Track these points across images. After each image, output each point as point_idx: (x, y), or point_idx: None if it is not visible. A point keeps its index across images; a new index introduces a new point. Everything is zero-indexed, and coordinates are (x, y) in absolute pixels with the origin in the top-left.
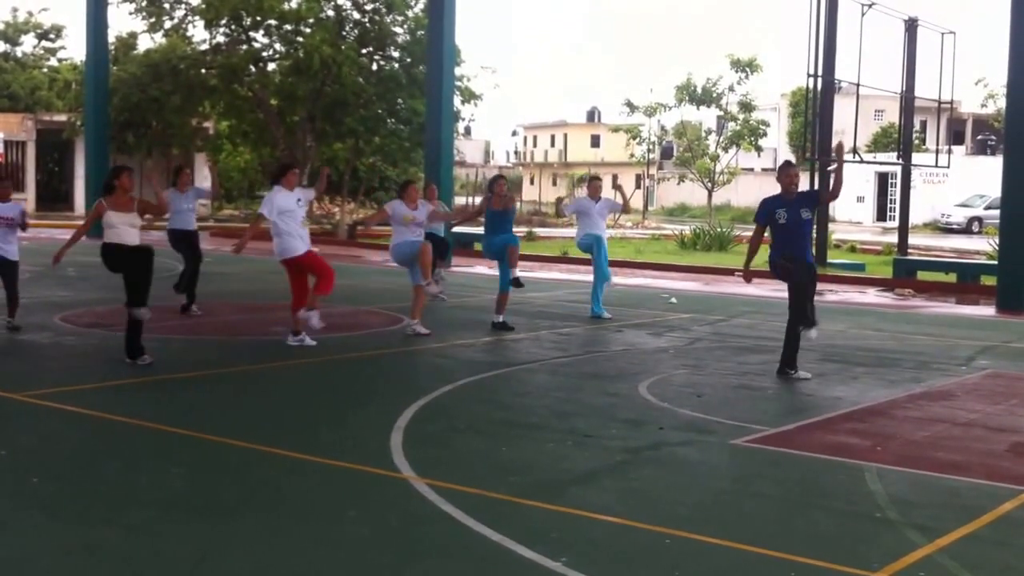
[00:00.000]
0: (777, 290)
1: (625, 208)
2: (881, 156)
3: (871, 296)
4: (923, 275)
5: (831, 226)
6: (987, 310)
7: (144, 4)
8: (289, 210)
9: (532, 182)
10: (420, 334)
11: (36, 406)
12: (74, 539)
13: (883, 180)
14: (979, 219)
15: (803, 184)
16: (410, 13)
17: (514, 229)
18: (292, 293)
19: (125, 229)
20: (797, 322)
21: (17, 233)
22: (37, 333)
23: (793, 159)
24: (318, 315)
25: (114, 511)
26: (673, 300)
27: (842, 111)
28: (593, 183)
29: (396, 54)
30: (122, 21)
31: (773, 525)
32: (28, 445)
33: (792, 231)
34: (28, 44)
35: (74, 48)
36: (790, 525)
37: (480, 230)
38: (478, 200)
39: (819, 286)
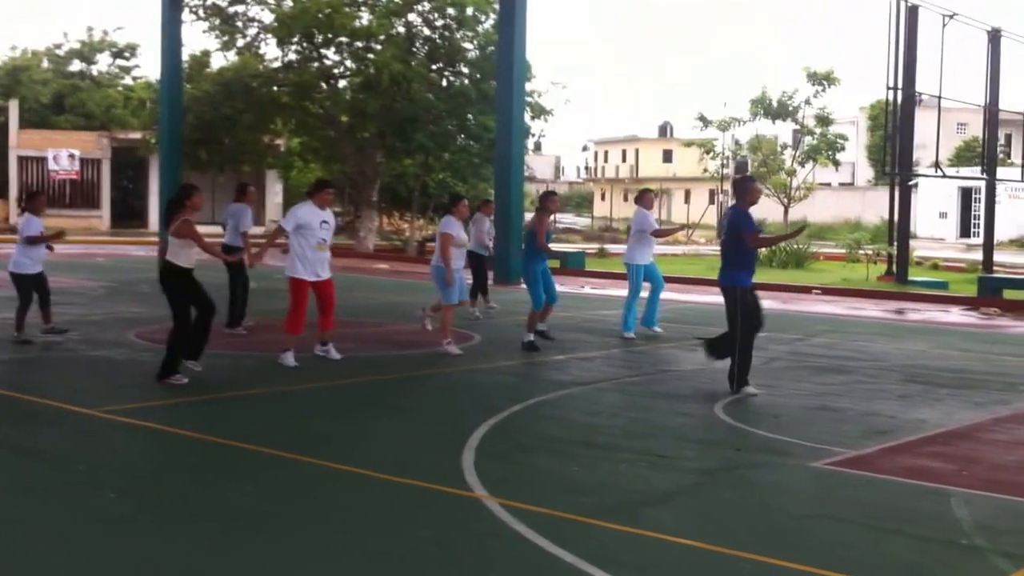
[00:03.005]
0: (854, 308)
1: (660, 233)
2: (964, 171)
3: (955, 315)
4: (1009, 293)
5: (912, 243)
6: None
7: (217, 23)
8: (309, 228)
9: (603, 198)
10: (452, 354)
11: (112, 422)
12: (138, 553)
13: (966, 195)
14: None
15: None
16: (480, 29)
17: (584, 246)
18: (288, 311)
19: (197, 251)
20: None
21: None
22: (112, 349)
23: (872, 174)
24: (292, 355)
25: (183, 523)
26: None
27: (923, 124)
28: (647, 195)
29: (466, 70)
30: (196, 39)
31: (854, 551)
32: (104, 460)
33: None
34: (103, 63)
35: (148, 66)
36: (872, 551)
37: None
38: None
39: (901, 303)
